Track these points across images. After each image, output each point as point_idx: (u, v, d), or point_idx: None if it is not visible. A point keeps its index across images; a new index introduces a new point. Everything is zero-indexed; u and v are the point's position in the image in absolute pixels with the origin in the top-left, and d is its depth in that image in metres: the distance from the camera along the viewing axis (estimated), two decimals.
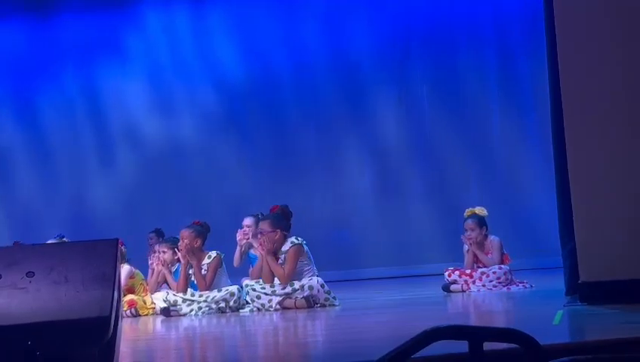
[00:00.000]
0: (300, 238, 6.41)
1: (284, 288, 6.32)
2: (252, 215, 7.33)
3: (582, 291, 4.56)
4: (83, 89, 11.66)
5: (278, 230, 6.36)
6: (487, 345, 2.83)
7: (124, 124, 11.59)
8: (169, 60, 11.59)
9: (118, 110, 11.59)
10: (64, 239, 7.63)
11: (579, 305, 4.49)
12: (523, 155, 10.78)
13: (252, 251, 7.24)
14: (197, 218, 6.95)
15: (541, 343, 2.78)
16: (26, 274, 2.96)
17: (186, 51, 11.56)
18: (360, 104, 11.19)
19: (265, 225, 6.41)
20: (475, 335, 2.87)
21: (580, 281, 4.64)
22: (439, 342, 2.86)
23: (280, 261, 6.38)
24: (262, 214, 6.94)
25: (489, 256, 6.99)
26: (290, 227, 6.47)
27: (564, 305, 4.57)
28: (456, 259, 7.68)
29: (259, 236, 6.57)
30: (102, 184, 11.51)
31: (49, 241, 6.88)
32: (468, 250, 7.06)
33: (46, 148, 11.66)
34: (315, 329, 5.24)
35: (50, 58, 11.70)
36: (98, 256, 3.06)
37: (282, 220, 6.42)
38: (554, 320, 3.76)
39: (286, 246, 6.36)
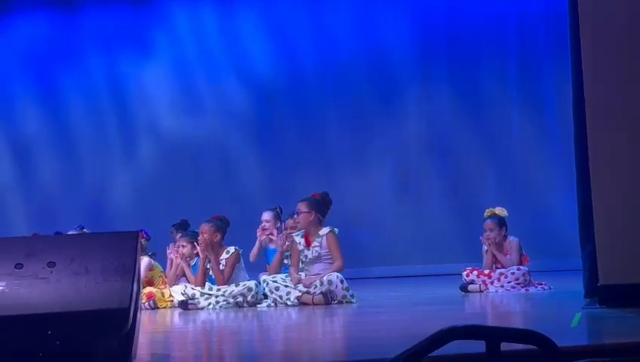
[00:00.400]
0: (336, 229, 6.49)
1: (305, 285, 6.35)
2: (271, 209, 7.34)
3: (601, 294, 4.54)
4: (107, 81, 11.73)
5: (314, 212, 6.43)
6: (505, 346, 2.83)
7: (148, 117, 11.65)
8: (194, 54, 11.62)
9: (142, 103, 11.65)
10: (84, 230, 7.68)
11: (597, 308, 4.47)
12: (542, 156, 10.73)
13: (271, 245, 7.26)
14: (216, 213, 6.97)
15: (559, 345, 2.78)
16: (47, 264, 3.00)
17: (212, 46, 11.58)
18: (381, 102, 11.18)
19: (302, 206, 6.52)
20: (492, 335, 2.86)
21: (599, 284, 4.61)
22: (456, 341, 2.87)
23: (315, 244, 6.43)
24: (280, 208, 6.97)
25: (508, 256, 6.96)
26: (326, 215, 6.57)
27: (582, 308, 4.56)
28: (474, 260, 7.65)
29: (288, 221, 6.57)
30: (122, 176, 11.57)
31: (69, 232, 6.94)
32: (487, 250, 7.04)
33: (69, 140, 11.74)
34: (333, 325, 5.25)
35: (75, 50, 11.79)
36: (119, 248, 3.09)
37: (320, 205, 6.54)
38: (572, 322, 3.75)
39: (323, 231, 6.45)
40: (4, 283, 2.93)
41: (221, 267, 6.68)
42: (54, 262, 3.00)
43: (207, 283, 6.70)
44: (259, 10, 11.58)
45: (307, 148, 11.19)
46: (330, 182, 10.79)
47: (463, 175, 10.93)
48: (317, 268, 6.47)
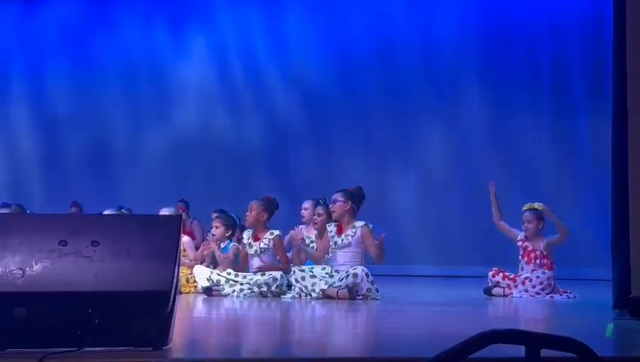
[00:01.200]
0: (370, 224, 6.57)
1: (331, 275, 6.36)
2: (312, 199, 7.39)
3: (633, 306, 4.50)
4: (143, 56, 11.75)
5: (350, 202, 6.56)
6: (544, 353, 2.82)
7: (181, 96, 11.70)
8: (238, 47, 11.63)
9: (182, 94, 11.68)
10: (123, 210, 7.72)
11: (629, 319, 4.44)
12: (571, 163, 10.67)
13: (305, 233, 7.34)
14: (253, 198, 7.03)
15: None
16: (91, 243, 3.01)
17: (256, 36, 11.59)
18: (405, 100, 11.17)
19: (339, 196, 6.63)
20: (532, 341, 2.85)
21: (631, 295, 4.57)
22: (495, 345, 2.86)
23: (348, 233, 6.51)
24: (322, 199, 6.99)
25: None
26: (359, 208, 6.67)
27: (613, 319, 4.52)
28: (496, 263, 7.61)
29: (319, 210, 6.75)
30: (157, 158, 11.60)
31: (106, 212, 6.96)
32: (521, 238, 7.03)
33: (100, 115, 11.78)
34: (356, 320, 5.24)
35: (112, 26, 11.83)
36: (161, 230, 3.10)
37: (355, 197, 6.66)
38: (606, 332, 3.72)
39: (358, 224, 6.54)
40: (47, 260, 2.95)
41: (262, 245, 6.72)
42: (98, 242, 3.00)
43: (231, 270, 6.73)
44: None
45: (328, 144, 11.21)
46: (354, 178, 10.79)
47: (487, 178, 10.88)
48: (342, 257, 6.50)
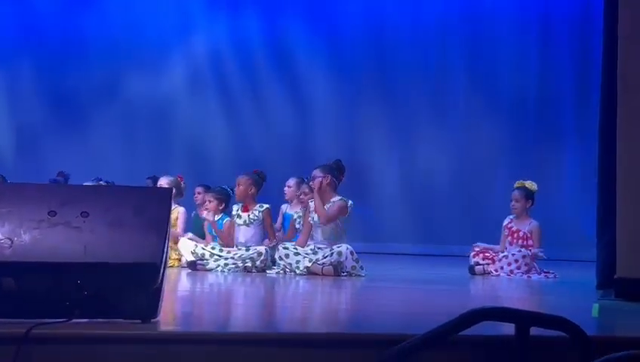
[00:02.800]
0: (350, 201, 6.53)
1: (315, 252, 6.36)
2: (297, 177, 7.39)
3: (618, 286, 4.53)
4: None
5: (329, 176, 6.53)
6: (534, 331, 2.83)
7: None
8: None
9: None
10: (101, 182, 7.66)
11: (614, 300, 4.47)
12: (557, 141, 10.73)
13: (288, 210, 7.34)
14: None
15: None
16: (81, 213, 2.97)
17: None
18: (392, 78, 11.16)
19: (317, 171, 6.63)
20: (523, 319, 2.87)
21: (616, 276, 4.60)
22: (484, 322, 2.87)
23: (326, 206, 6.50)
24: (307, 178, 6.99)
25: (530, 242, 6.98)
26: (340, 181, 6.66)
27: (598, 299, 4.55)
28: (480, 240, 7.64)
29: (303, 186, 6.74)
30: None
31: (85, 184, 6.91)
32: (505, 231, 7.04)
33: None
34: (340, 296, 5.25)
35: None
36: (152, 202, 3.07)
37: (334, 171, 6.65)
38: (592, 312, 3.74)
39: (335, 198, 6.52)
40: (36, 230, 2.91)
41: (252, 216, 6.75)
42: (88, 212, 2.97)
43: (216, 244, 6.72)
44: None
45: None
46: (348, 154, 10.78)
47: (473, 156, 10.92)
48: (322, 234, 6.52)
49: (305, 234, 6.63)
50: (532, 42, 11.00)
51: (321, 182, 6.52)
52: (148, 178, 8.32)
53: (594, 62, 8.76)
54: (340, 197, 6.55)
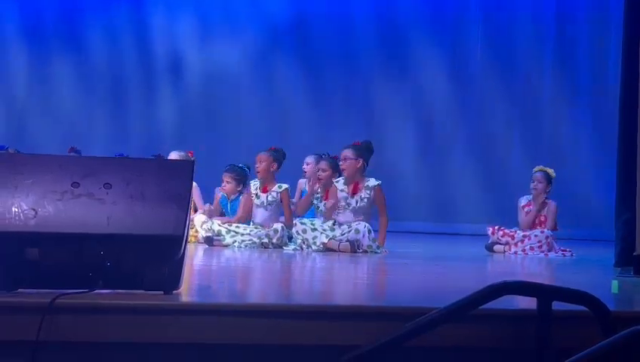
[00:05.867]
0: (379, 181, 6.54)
1: (332, 229, 6.36)
2: (315, 154, 7.37)
3: (637, 263, 4.51)
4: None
5: (361, 159, 6.47)
6: (555, 305, 2.83)
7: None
8: None
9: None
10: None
11: (632, 276, 4.45)
12: (572, 119, 10.67)
13: (306, 187, 7.35)
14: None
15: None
16: (104, 185, 2.99)
17: None
18: (406, 57, 11.09)
19: (348, 153, 6.51)
20: (545, 293, 2.87)
21: (635, 253, 4.58)
22: (506, 296, 2.88)
23: (363, 195, 6.46)
24: (327, 154, 6.95)
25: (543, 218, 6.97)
26: (368, 164, 6.59)
27: (617, 276, 4.54)
28: (496, 221, 7.63)
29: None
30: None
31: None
32: (525, 209, 7.03)
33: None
34: (358, 270, 5.26)
35: None
36: (174, 175, 3.08)
37: (365, 152, 6.56)
38: (612, 288, 3.74)
39: (372, 183, 6.50)
40: (60, 201, 2.93)
41: (270, 198, 6.73)
42: (110, 184, 2.98)
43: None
44: None
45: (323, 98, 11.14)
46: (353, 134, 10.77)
47: (490, 135, 10.88)
48: (353, 216, 6.48)
49: (329, 207, 6.58)
50: (548, 8, 10.91)
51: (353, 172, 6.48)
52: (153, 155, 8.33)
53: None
54: (376, 182, 6.51)
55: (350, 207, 6.49)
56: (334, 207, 6.51)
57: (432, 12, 11.10)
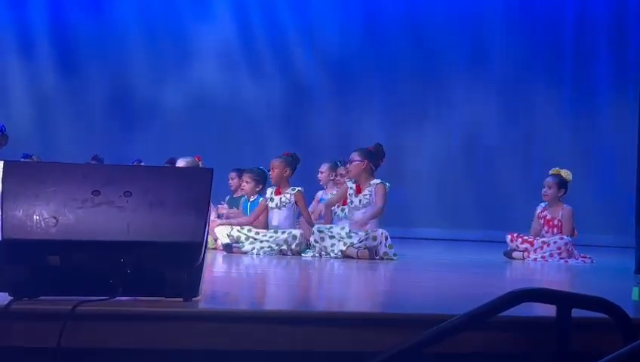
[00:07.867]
0: (387, 183, 6.58)
1: (350, 236, 6.37)
2: (329, 162, 7.42)
3: None
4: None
5: (366, 161, 6.52)
6: (575, 312, 2.82)
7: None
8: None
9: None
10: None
11: None
12: (593, 124, 10.66)
13: (323, 196, 7.36)
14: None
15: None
16: (124, 193, 3.00)
17: None
18: (427, 62, 11.11)
19: (355, 155, 6.63)
20: (564, 300, 2.85)
21: None
22: (526, 303, 2.87)
23: (365, 193, 6.53)
24: (340, 162, 7.01)
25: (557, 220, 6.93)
26: (378, 166, 6.66)
27: (637, 283, 4.50)
28: (512, 228, 7.60)
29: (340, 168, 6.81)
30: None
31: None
32: (538, 215, 7.00)
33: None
34: (376, 277, 5.26)
35: None
36: (193, 182, 3.09)
37: (372, 156, 6.63)
38: (632, 295, 3.72)
39: (374, 182, 6.56)
40: (80, 209, 2.95)
41: (283, 199, 6.80)
42: (130, 192, 3.00)
43: (251, 227, 6.77)
44: None
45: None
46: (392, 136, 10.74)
47: (506, 142, 10.87)
48: (359, 215, 6.52)
49: (330, 204, 6.72)
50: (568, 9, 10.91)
51: (356, 173, 6.55)
52: (167, 161, 8.37)
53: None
54: (379, 181, 6.56)
55: (353, 205, 6.58)
56: (334, 202, 6.69)
57: (453, 20, 11.12)
